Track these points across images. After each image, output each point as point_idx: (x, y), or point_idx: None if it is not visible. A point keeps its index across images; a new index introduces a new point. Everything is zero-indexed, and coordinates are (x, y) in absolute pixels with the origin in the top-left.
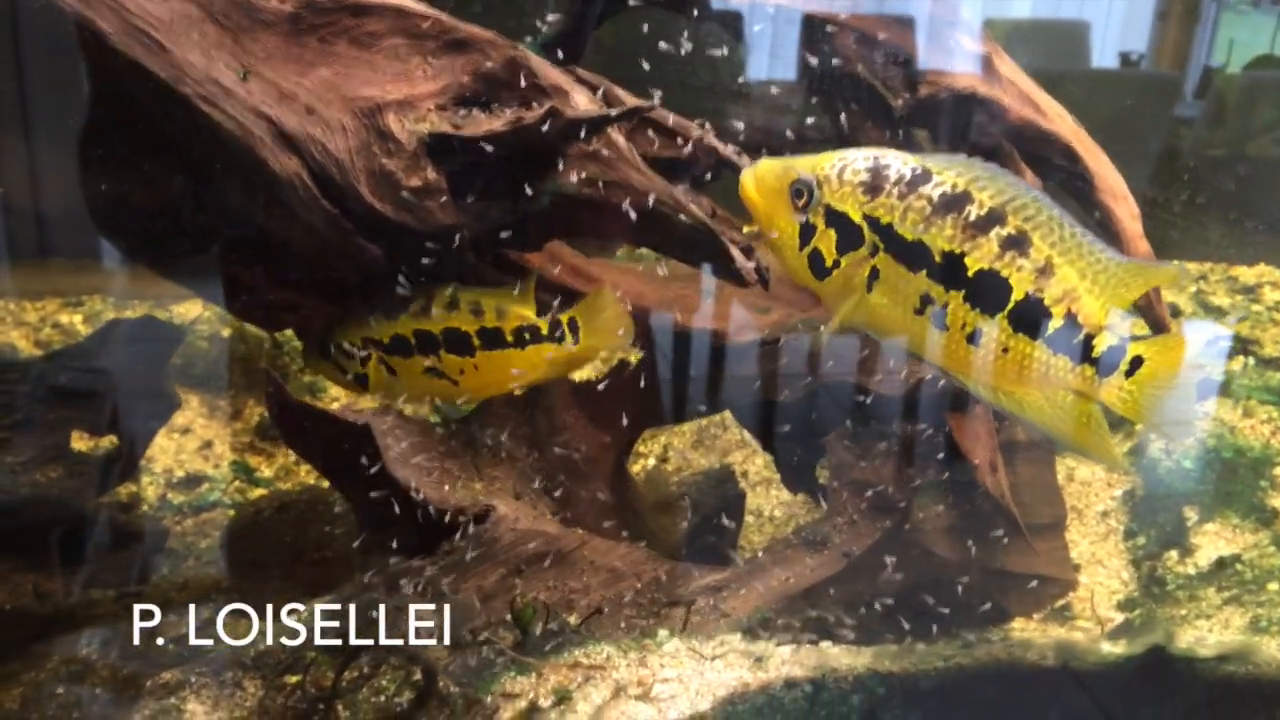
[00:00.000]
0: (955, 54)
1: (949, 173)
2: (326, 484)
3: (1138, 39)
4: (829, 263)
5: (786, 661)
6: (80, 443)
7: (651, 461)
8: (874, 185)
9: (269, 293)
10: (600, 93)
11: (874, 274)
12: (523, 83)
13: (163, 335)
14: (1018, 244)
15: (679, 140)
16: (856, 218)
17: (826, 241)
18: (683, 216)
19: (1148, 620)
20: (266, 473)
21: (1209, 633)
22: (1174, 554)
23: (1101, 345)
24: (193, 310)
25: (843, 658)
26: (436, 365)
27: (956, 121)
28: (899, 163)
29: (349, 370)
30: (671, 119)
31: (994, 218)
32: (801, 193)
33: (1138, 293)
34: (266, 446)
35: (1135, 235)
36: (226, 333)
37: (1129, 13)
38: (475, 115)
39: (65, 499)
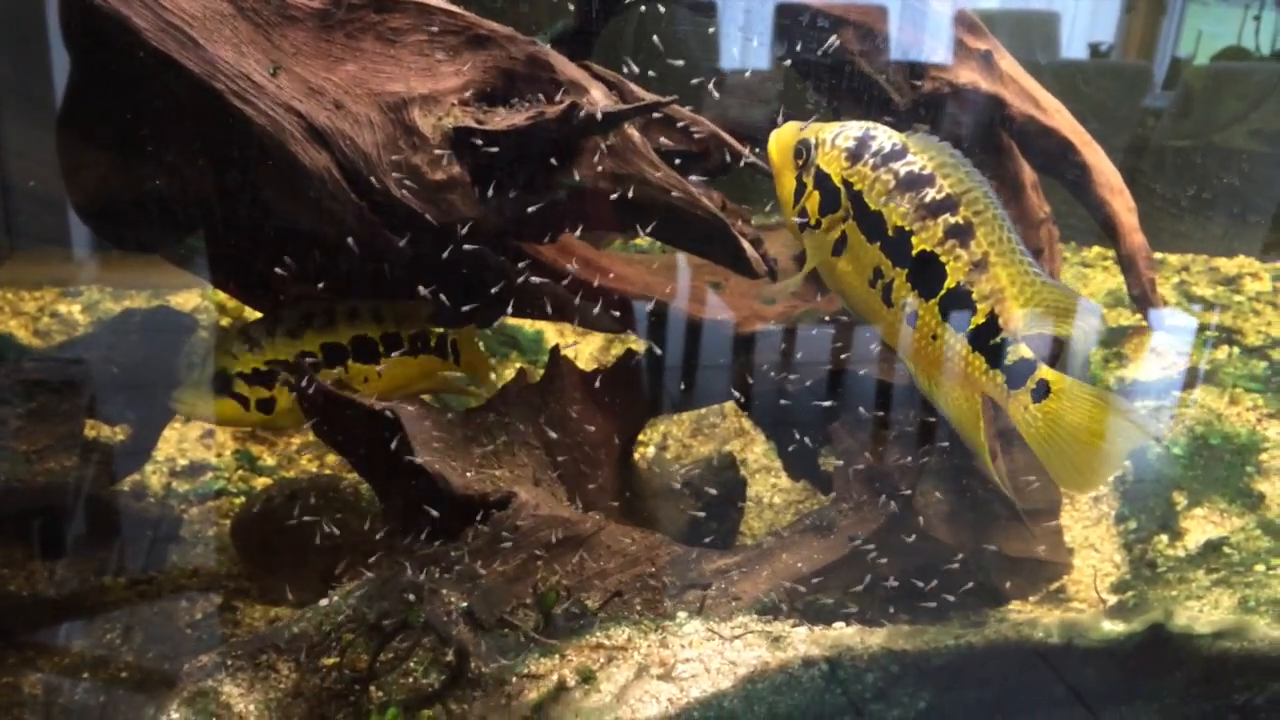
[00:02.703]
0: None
1: (924, 154)
2: (331, 471)
3: (1105, 30)
4: (811, 221)
5: (804, 641)
6: (92, 430)
7: (651, 450)
8: (856, 153)
9: (286, 284)
10: (614, 88)
11: (843, 239)
12: (542, 78)
13: (176, 324)
14: (960, 234)
15: (691, 134)
16: (836, 181)
17: (812, 201)
18: (693, 208)
19: (1141, 601)
20: (269, 461)
21: (1200, 613)
22: (1164, 537)
23: (1014, 355)
24: (191, 300)
25: (858, 637)
26: (343, 377)
27: (957, 116)
28: (884, 137)
29: (252, 398)
30: (684, 113)
31: (947, 204)
32: (801, 153)
33: (1049, 315)
34: (267, 435)
35: (1131, 228)
36: (225, 322)
37: (1097, 4)
38: (496, 110)
39: (79, 487)
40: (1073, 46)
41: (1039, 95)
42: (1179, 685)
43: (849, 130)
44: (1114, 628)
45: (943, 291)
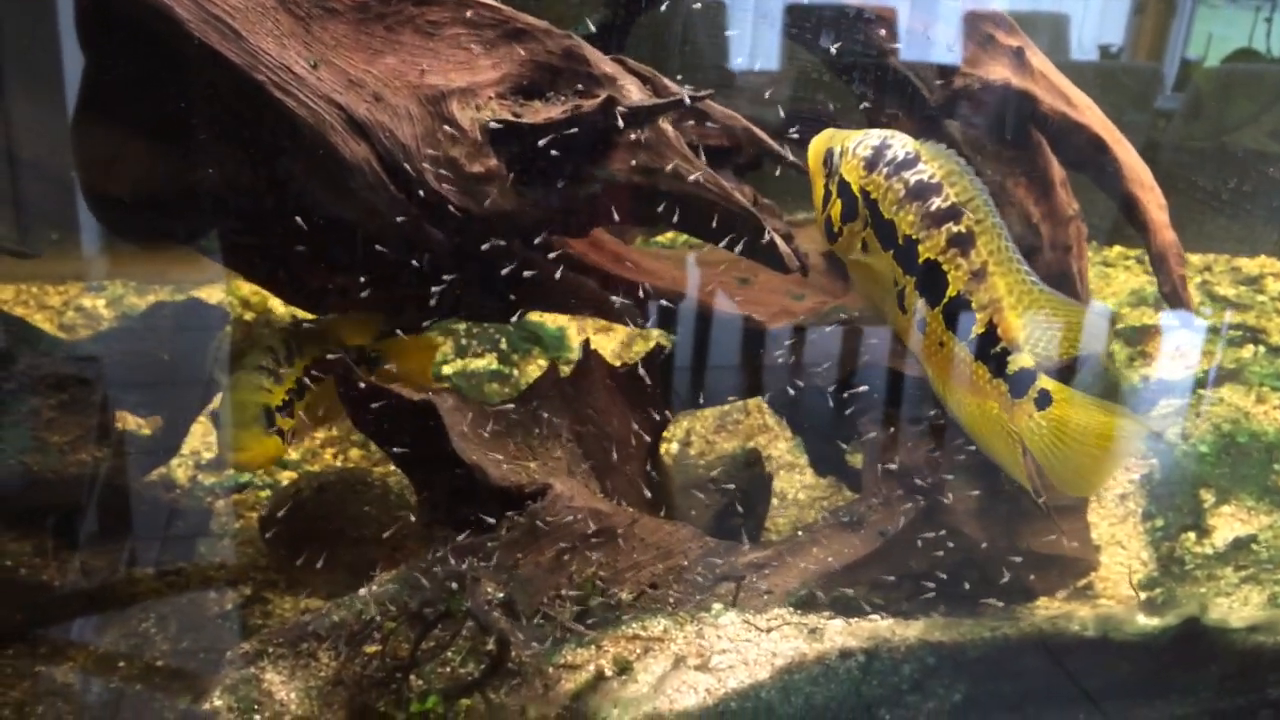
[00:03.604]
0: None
1: (934, 163)
2: (353, 465)
3: (1114, 32)
4: (835, 228)
5: (840, 633)
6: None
7: (675, 446)
8: (872, 162)
9: (322, 278)
10: (648, 82)
11: (864, 246)
12: (578, 72)
13: (207, 318)
14: (962, 242)
15: (723, 129)
16: (855, 190)
17: (835, 208)
18: (726, 202)
19: (1170, 598)
20: (293, 455)
21: (1230, 609)
22: (1191, 535)
23: (1014, 365)
24: (214, 295)
25: (894, 629)
26: (310, 396)
27: (988, 113)
28: (899, 145)
29: (287, 429)
30: (717, 108)
31: (951, 213)
32: (829, 161)
33: (1049, 323)
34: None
35: (1162, 225)
36: (249, 317)
37: (1106, 6)
38: (533, 104)
39: (110, 479)
40: (1082, 48)
41: (1070, 91)
42: (1213, 679)
43: (869, 139)
44: (1149, 622)
45: (945, 300)
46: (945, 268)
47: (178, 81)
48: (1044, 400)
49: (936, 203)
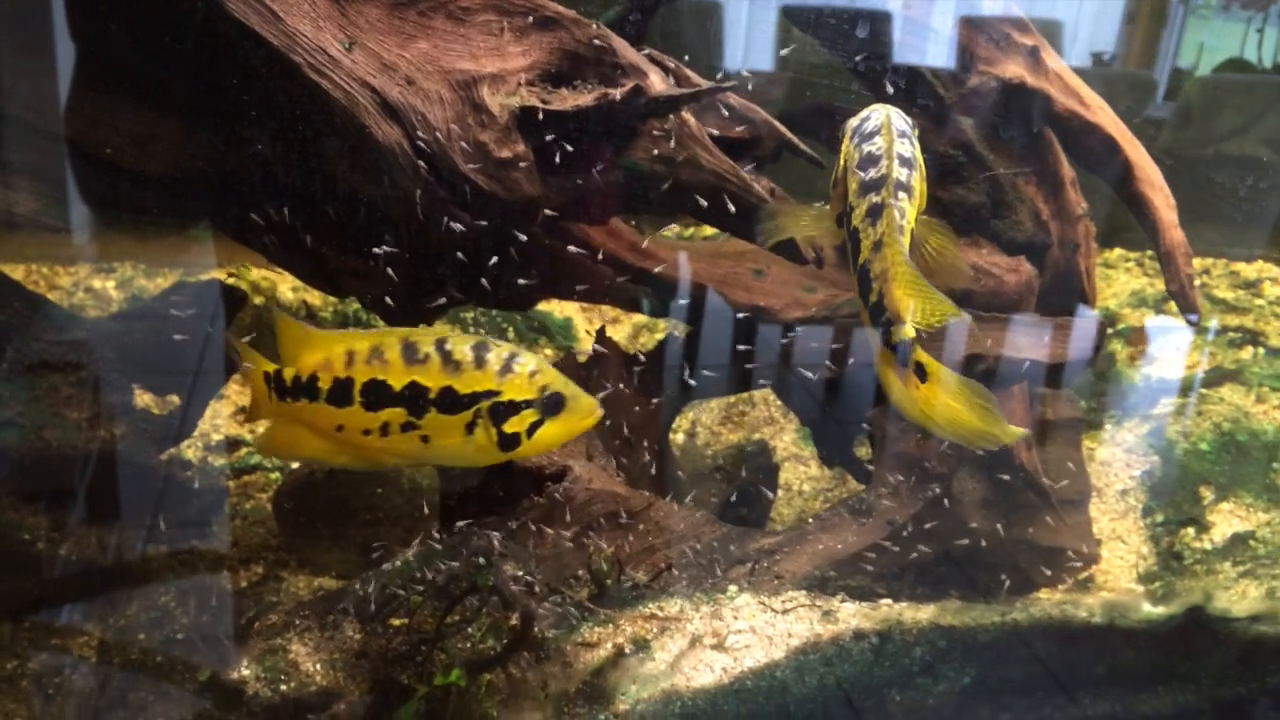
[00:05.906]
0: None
1: (887, 134)
2: None
3: (1107, 40)
4: (831, 195)
5: (853, 615)
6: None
7: (680, 437)
8: (853, 132)
9: (341, 260)
10: (671, 73)
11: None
12: (605, 61)
13: (226, 298)
14: (874, 214)
15: (743, 122)
16: (843, 159)
17: (832, 177)
18: (745, 194)
19: (1169, 592)
20: None
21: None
22: (1191, 531)
23: (897, 335)
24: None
25: (906, 612)
26: None
27: (1003, 111)
28: (877, 118)
29: None
30: (739, 101)
31: (876, 184)
32: (841, 132)
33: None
34: None
35: (1171, 224)
36: (259, 300)
37: (1098, 14)
38: (560, 91)
39: (128, 456)
40: (1074, 56)
41: (1083, 91)
42: (1215, 667)
43: (864, 111)
44: (1155, 610)
45: (855, 268)
46: (861, 236)
47: (214, 62)
48: (921, 373)
49: (871, 173)
